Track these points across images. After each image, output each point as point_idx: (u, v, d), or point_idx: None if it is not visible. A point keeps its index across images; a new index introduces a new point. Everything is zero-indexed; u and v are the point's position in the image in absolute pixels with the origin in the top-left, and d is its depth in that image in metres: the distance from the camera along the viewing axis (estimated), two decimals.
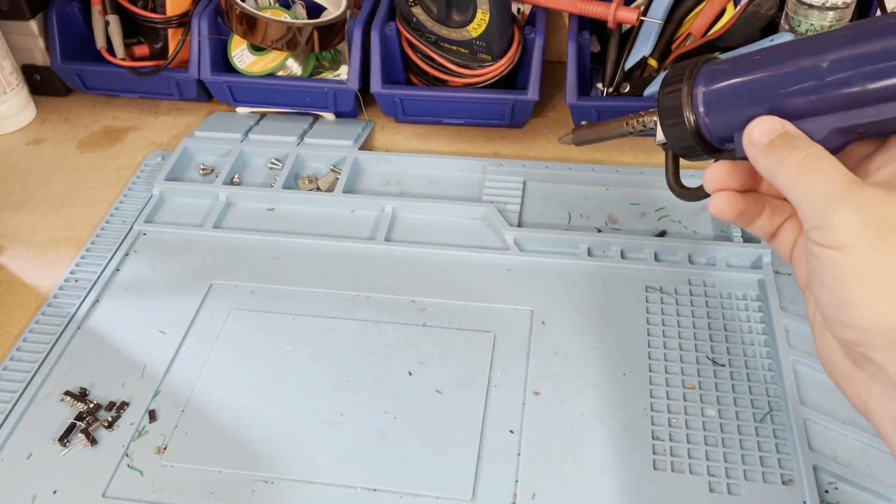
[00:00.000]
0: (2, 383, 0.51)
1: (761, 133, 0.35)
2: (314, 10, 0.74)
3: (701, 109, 0.40)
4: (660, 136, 0.43)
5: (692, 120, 0.40)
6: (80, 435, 0.48)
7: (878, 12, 0.63)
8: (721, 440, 0.46)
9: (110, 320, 0.55)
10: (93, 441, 0.47)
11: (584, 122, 0.49)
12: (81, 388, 0.51)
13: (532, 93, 0.67)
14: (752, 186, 0.39)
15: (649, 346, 0.51)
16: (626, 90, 0.67)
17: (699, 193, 0.41)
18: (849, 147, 0.35)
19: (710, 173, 0.38)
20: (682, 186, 0.43)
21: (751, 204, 0.39)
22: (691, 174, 0.60)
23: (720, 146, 0.41)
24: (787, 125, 0.35)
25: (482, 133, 0.72)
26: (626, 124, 0.46)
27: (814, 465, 0.44)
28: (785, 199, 0.40)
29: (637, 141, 0.68)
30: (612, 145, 0.68)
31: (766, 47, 0.38)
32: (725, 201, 0.38)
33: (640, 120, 0.45)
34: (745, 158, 0.37)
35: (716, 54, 0.41)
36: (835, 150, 0.35)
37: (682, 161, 0.44)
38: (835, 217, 0.31)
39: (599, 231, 0.60)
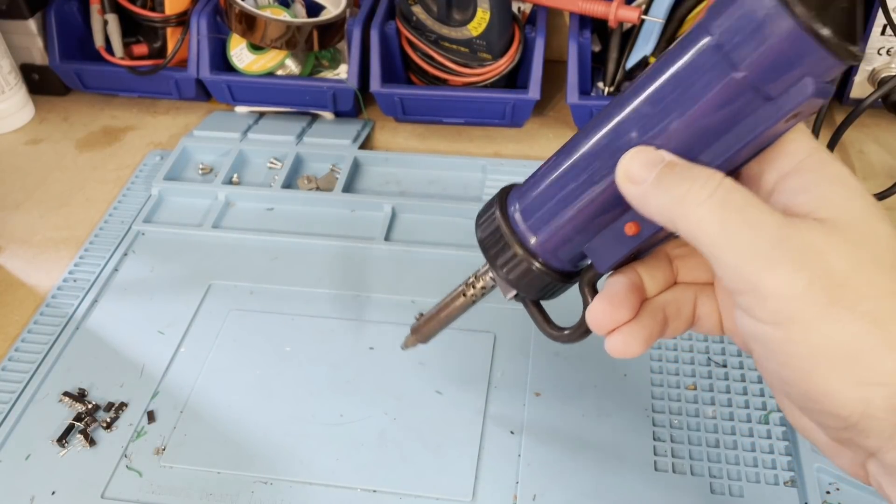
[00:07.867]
0: (0, 384, 0.51)
1: (641, 166, 0.26)
2: (314, 9, 0.74)
3: (532, 241, 0.33)
4: (508, 291, 0.36)
5: (537, 259, 0.33)
6: (78, 436, 0.47)
7: (880, 11, 0.62)
8: (722, 441, 0.46)
9: (109, 321, 0.55)
10: (91, 442, 0.47)
11: (419, 315, 0.43)
12: (80, 389, 0.50)
13: (533, 92, 0.67)
14: (642, 299, 0.31)
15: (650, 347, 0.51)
16: None
17: (586, 329, 0.33)
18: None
19: (592, 315, 0.31)
20: (560, 329, 0.36)
21: (652, 323, 0.31)
22: None
23: (576, 268, 0.34)
24: (666, 153, 0.26)
25: (482, 133, 0.72)
26: (465, 295, 0.39)
27: (816, 466, 0.43)
28: (683, 284, 0.32)
29: None
30: None
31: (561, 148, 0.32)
32: (625, 342, 0.30)
33: (477, 284, 0.38)
34: (610, 271, 0.31)
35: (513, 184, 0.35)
36: None
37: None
38: (771, 280, 0.24)
39: None
